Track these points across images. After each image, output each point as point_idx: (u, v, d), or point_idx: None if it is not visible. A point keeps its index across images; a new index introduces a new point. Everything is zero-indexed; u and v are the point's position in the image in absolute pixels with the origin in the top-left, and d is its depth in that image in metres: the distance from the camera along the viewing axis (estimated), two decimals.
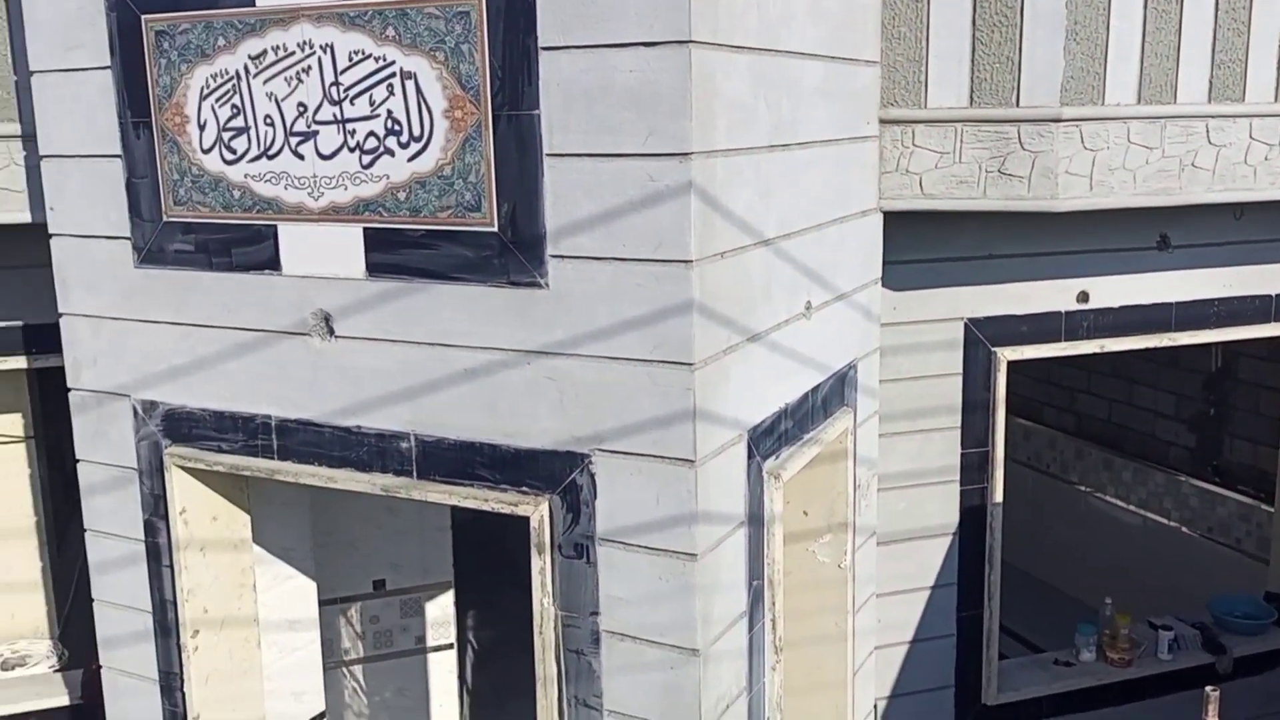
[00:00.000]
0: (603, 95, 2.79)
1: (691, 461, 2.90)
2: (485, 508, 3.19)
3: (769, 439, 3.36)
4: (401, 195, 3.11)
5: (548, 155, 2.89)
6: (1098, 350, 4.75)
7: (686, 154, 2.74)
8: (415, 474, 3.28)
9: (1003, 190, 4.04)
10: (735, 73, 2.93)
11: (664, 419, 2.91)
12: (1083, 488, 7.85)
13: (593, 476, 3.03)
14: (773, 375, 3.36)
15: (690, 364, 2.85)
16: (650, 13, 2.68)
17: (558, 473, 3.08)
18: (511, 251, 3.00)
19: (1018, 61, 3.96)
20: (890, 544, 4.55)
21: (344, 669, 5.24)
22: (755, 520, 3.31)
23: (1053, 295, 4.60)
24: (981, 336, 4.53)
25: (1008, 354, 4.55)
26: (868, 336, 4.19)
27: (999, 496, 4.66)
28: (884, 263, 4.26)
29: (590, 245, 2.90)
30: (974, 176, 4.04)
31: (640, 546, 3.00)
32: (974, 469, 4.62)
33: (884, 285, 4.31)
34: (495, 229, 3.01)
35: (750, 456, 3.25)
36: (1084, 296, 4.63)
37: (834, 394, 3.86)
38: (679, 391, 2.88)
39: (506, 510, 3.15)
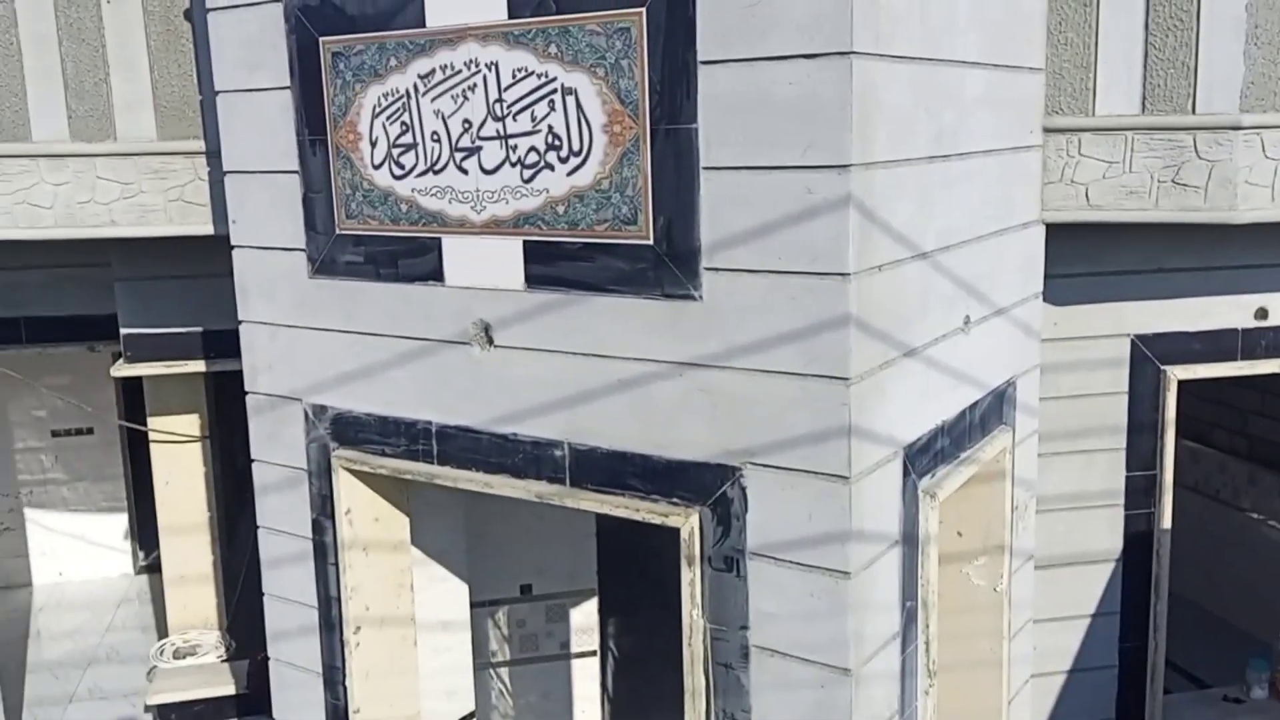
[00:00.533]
0: (761, 108, 2.79)
1: (846, 478, 2.86)
2: (636, 517, 3.22)
3: (925, 457, 3.29)
4: (560, 209, 3.17)
5: (704, 169, 2.91)
6: (1278, 370, 4.46)
7: (846, 166, 2.71)
8: (568, 482, 3.33)
9: (1176, 201, 3.84)
10: (896, 83, 2.88)
11: (818, 434, 2.88)
12: (1255, 515, 7.38)
13: (744, 490, 3.02)
14: (929, 391, 3.29)
15: (846, 379, 2.81)
16: (812, 24, 2.66)
17: (709, 485, 3.08)
18: (666, 264, 3.02)
19: (1194, 66, 3.77)
20: (1048, 569, 4.38)
21: (491, 670, 5.37)
22: (909, 540, 3.24)
23: (1228, 311, 4.35)
24: (1150, 354, 4.32)
25: (1178, 373, 4.32)
26: (1027, 353, 4.05)
27: (1167, 522, 4.43)
28: (1045, 276, 4.11)
29: (745, 258, 2.90)
30: (1145, 187, 3.86)
31: (792, 562, 2.97)
32: (1140, 493, 4.40)
33: (1045, 300, 4.16)
34: (650, 242, 3.04)
35: (905, 474, 3.18)
36: (1263, 313, 4.37)
37: (992, 412, 3.75)
38: (834, 406, 2.84)
39: (657, 521, 3.17)
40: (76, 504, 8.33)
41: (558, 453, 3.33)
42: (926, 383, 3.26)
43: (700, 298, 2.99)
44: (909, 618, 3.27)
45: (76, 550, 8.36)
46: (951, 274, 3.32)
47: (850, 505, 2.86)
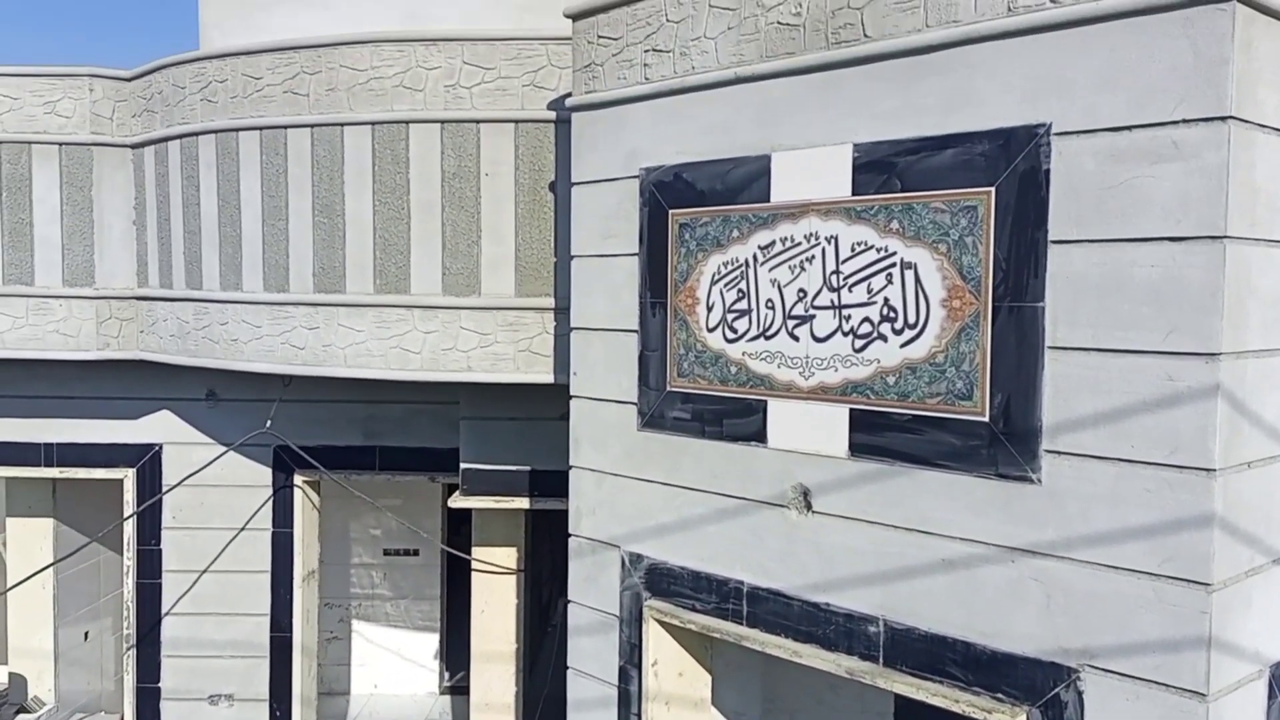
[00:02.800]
0: (1117, 289, 2.68)
1: (1203, 695, 2.57)
2: (954, 709, 3.04)
3: None
4: (890, 379, 3.17)
5: (1050, 348, 2.81)
6: None
7: (1214, 354, 2.53)
8: (881, 660, 3.21)
9: None
10: (1273, 267, 2.69)
11: (1171, 642, 2.62)
12: None
13: (1080, 694, 2.78)
14: None
15: (1207, 584, 2.56)
16: (1179, 207, 2.56)
17: (1039, 684, 2.86)
18: (1002, 443, 2.92)
19: None
20: None
21: None
22: None
23: None
24: None
25: None
26: None
27: None
28: None
29: (1091, 443, 2.75)
30: None
31: None
32: None
33: None
34: (986, 419, 2.95)
35: (1271, 696, 2.81)
36: None
37: None
38: (1191, 614, 2.58)
39: (979, 716, 2.97)
40: (397, 620, 8.97)
41: (872, 629, 3.23)
42: None
43: (1038, 481, 2.85)
44: None
45: (391, 665, 8.95)
46: None
47: None
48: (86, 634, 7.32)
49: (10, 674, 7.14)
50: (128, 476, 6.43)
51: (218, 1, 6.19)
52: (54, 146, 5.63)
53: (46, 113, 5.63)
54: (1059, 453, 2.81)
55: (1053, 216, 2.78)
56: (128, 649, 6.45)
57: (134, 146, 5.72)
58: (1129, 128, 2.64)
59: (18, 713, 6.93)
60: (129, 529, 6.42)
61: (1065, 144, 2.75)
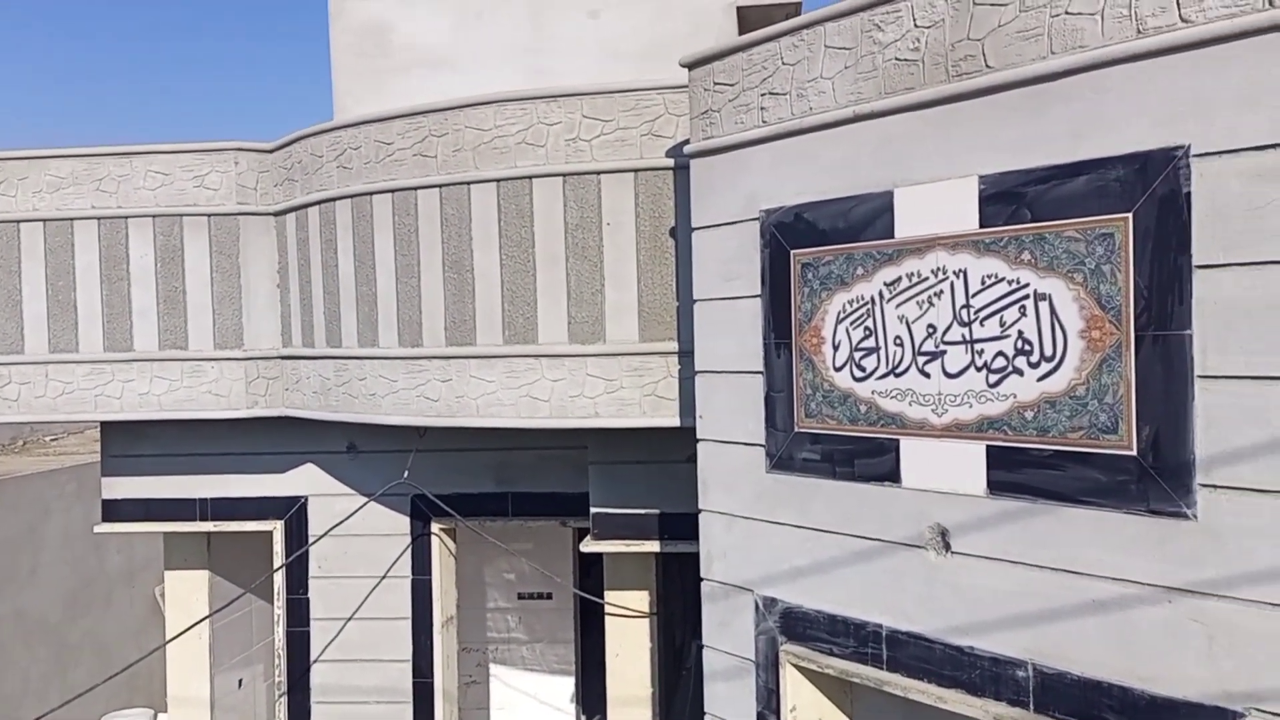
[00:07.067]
0: (1271, 314, 2.55)
1: None
2: None
3: None
4: (1029, 414, 3.08)
5: (1200, 377, 2.69)
6: None
7: None
8: (1032, 706, 3.09)
9: None
10: None
11: None
12: None
13: None
14: None
15: None
16: None
17: None
18: (1152, 478, 2.80)
19: None
20: None
21: None
22: None
23: None
24: None
25: None
26: None
27: None
28: None
29: (1250, 476, 2.62)
30: None
31: None
32: None
33: None
34: (1134, 453, 2.84)
35: None
36: None
37: None
38: None
39: None
40: (533, 664, 9.05)
41: (1020, 673, 3.12)
42: None
43: (1194, 517, 2.72)
44: None
45: (529, 708, 9.02)
46: None
47: None
48: (240, 681, 7.61)
49: None
50: (277, 528, 6.70)
51: (351, 72, 6.50)
52: (203, 217, 5.98)
53: (196, 186, 5.99)
54: (1215, 487, 2.68)
55: (1196, 241, 2.67)
56: (280, 695, 6.69)
57: (276, 214, 6.03)
58: (1275, 145, 2.53)
59: None
60: (279, 579, 6.67)
61: (1206, 165, 2.65)
